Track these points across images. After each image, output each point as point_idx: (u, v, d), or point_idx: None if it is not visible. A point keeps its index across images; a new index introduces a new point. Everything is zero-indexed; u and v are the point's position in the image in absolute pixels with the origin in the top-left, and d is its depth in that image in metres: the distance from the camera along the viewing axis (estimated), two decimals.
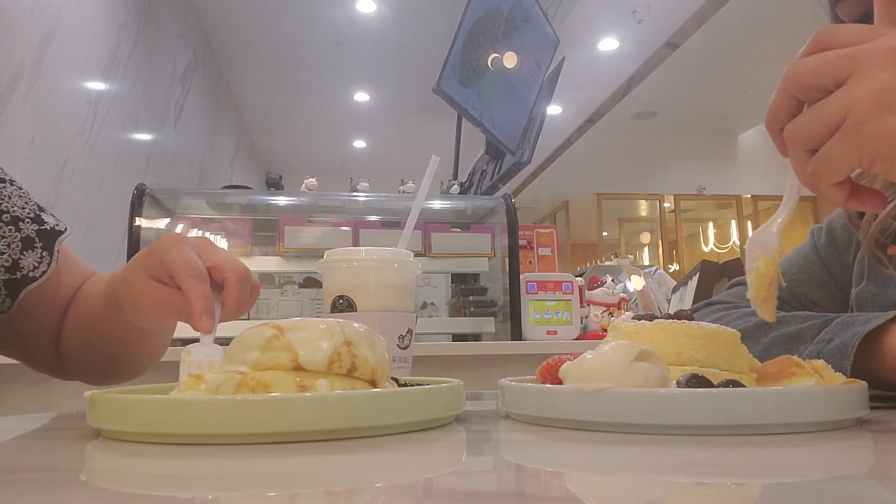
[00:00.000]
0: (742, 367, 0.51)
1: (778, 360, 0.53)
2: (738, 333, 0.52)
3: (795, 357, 0.52)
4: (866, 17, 0.66)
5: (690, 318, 0.53)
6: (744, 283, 0.91)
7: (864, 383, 0.47)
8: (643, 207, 9.63)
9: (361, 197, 2.39)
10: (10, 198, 0.78)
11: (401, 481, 0.33)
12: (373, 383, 0.49)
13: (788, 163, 0.49)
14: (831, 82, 0.44)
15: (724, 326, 0.53)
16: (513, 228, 2.20)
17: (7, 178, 0.80)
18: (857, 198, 0.47)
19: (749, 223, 8.73)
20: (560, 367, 0.50)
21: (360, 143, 7.55)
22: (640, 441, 0.42)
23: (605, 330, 2.30)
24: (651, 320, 0.53)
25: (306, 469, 0.36)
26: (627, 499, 0.30)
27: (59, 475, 0.37)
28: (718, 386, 0.45)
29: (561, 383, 0.49)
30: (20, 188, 0.81)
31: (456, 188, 2.61)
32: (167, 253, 0.60)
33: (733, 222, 9.03)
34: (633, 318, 0.55)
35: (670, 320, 0.53)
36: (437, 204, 2.44)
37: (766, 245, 0.53)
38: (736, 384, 0.45)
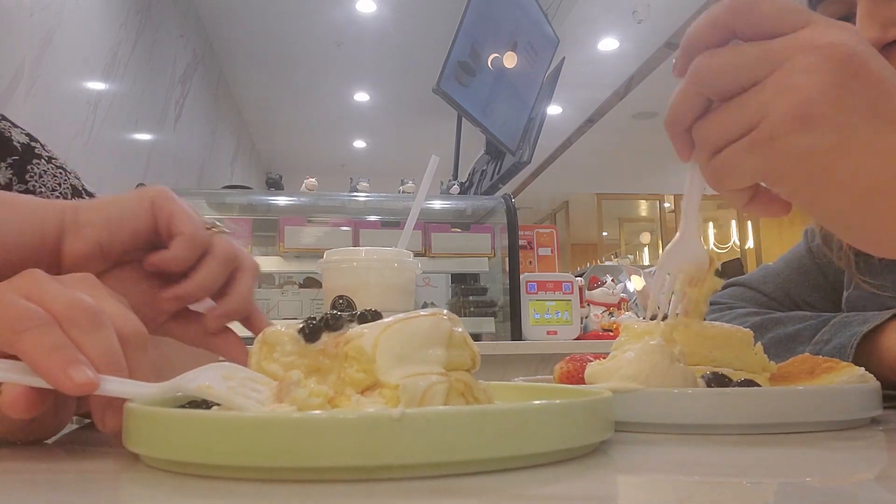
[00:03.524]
0: (755, 367, 0.52)
1: (802, 359, 0.53)
2: (751, 333, 0.52)
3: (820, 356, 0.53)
4: (847, 18, 0.65)
5: (703, 318, 0.53)
6: (739, 284, 0.91)
7: (877, 383, 0.48)
8: (643, 207, 9.63)
9: (361, 197, 2.39)
10: (40, 176, 0.72)
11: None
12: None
13: (690, 167, 0.45)
14: (748, 81, 0.39)
15: (737, 326, 0.53)
16: (513, 228, 2.20)
17: (46, 154, 0.74)
18: (759, 203, 0.43)
19: (749, 223, 8.73)
20: (583, 369, 0.51)
21: (360, 143, 7.54)
22: (654, 441, 0.42)
23: (606, 330, 2.31)
24: (664, 320, 0.53)
25: None
26: (647, 498, 0.30)
27: None
28: (736, 385, 0.46)
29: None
30: (60, 167, 0.75)
31: (456, 188, 2.61)
32: None
33: (733, 222, 9.03)
34: (649, 318, 0.55)
35: None
36: (437, 204, 2.44)
37: (693, 263, 0.47)
38: (752, 384, 0.46)
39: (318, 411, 0.33)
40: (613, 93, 6.12)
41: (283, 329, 0.38)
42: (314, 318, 0.37)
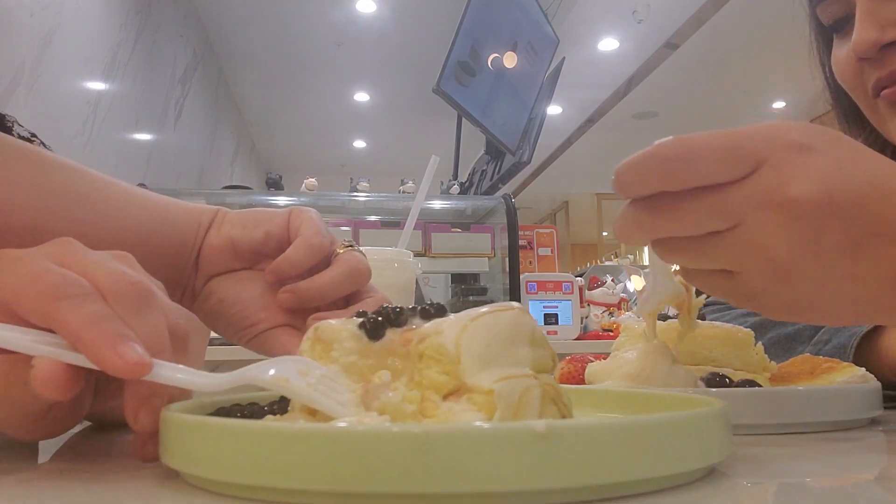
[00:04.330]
0: (755, 367, 0.52)
1: (802, 359, 0.53)
2: (752, 333, 0.53)
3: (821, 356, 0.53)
4: (847, 19, 0.65)
5: (703, 318, 0.53)
6: None
7: (877, 383, 0.48)
8: None
9: (361, 197, 2.39)
10: None
11: None
12: None
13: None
14: (704, 232, 0.35)
15: (737, 326, 0.53)
16: (513, 228, 2.20)
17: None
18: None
19: None
20: (583, 370, 0.51)
21: (360, 143, 7.54)
22: None
23: (606, 330, 2.31)
24: (664, 320, 0.54)
25: None
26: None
27: None
28: (736, 385, 0.46)
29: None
30: None
31: (456, 188, 2.61)
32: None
33: None
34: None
35: None
36: (437, 204, 2.44)
37: (672, 297, 0.48)
38: (752, 384, 0.46)
39: (436, 424, 0.27)
40: (613, 93, 6.12)
41: (340, 324, 0.32)
42: (365, 312, 0.33)
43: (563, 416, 0.31)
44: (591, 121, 6.74)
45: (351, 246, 0.49)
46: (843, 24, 0.66)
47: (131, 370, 0.28)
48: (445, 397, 0.29)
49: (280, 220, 0.49)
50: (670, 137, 0.35)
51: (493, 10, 2.42)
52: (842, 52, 0.66)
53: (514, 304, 0.32)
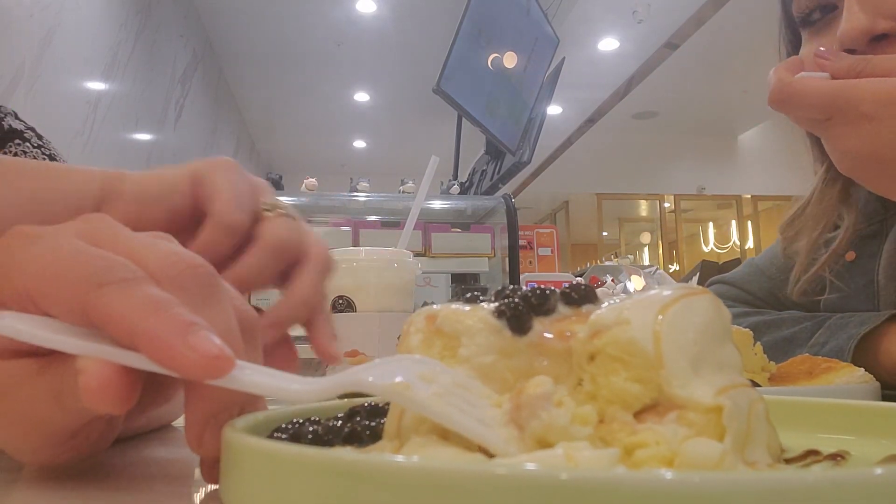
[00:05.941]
0: (755, 367, 0.51)
1: (801, 359, 0.53)
2: (751, 332, 0.52)
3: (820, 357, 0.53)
4: (822, 7, 0.59)
5: None
6: (723, 282, 0.89)
7: (877, 383, 0.48)
8: (643, 207, 9.63)
9: (361, 197, 2.39)
10: (14, 154, 0.63)
11: None
12: None
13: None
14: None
15: (736, 326, 0.53)
16: (513, 228, 2.20)
17: (37, 142, 0.69)
18: None
19: (749, 223, 8.73)
20: None
21: (360, 143, 7.55)
22: None
23: None
24: None
25: None
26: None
27: None
28: None
29: None
30: (50, 154, 0.71)
31: (456, 188, 2.61)
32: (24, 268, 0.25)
33: (733, 222, 9.03)
34: None
35: None
36: (437, 204, 2.44)
37: None
38: (752, 384, 0.46)
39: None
40: (613, 93, 6.12)
41: (467, 310, 0.24)
42: (482, 297, 0.25)
43: (778, 440, 0.24)
44: (591, 121, 6.74)
45: (278, 208, 0.39)
46: (814, 18, 0.60)
47: (208, 368, 0.21)
48: (638, 416, 0.21)
49: (184, 188, 0.36)
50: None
51: (492, 10, 2.42)
52: (809, 49, 0.60)
53: (695, 286, 0.25)
